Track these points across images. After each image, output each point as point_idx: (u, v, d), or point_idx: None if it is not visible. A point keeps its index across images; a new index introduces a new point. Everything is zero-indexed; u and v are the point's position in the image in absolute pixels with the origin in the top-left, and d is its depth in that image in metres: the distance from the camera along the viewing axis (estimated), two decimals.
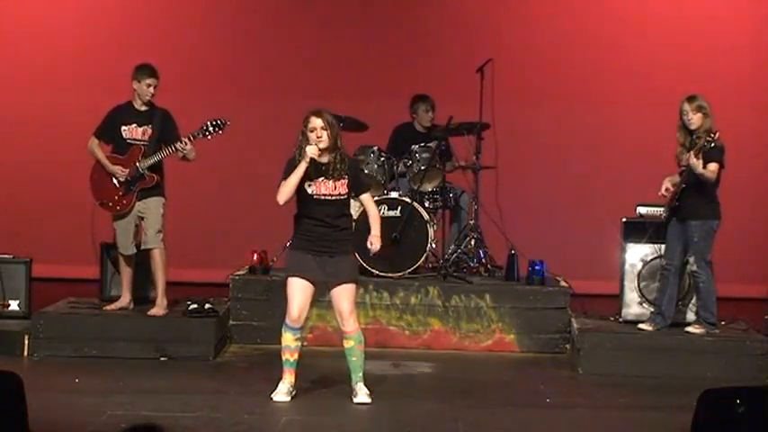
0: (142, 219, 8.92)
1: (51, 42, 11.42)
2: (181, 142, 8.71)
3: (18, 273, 9.35)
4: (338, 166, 7.32)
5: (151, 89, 8.83)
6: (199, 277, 10.47)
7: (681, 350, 8.72)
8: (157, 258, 8.91)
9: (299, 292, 7.37)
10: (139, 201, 8.88)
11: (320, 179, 7.32)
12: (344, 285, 7.38)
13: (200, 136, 8.74)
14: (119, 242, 8.97)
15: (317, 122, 7.30)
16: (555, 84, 11.37)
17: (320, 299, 8.24)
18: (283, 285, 7.50)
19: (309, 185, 7.31)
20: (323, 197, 7.32)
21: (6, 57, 11.42)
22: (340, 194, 7.35)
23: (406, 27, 11.49)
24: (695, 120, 8.55)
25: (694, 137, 8.57)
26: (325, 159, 7.32)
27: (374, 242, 7.48)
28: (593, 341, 8.81)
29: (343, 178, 7.33)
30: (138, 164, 8.81)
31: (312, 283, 7.39)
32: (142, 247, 8.95)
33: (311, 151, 7.25)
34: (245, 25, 11.52)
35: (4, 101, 11.39)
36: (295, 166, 7.27)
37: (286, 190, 7.28)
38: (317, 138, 7.28)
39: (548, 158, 11.32)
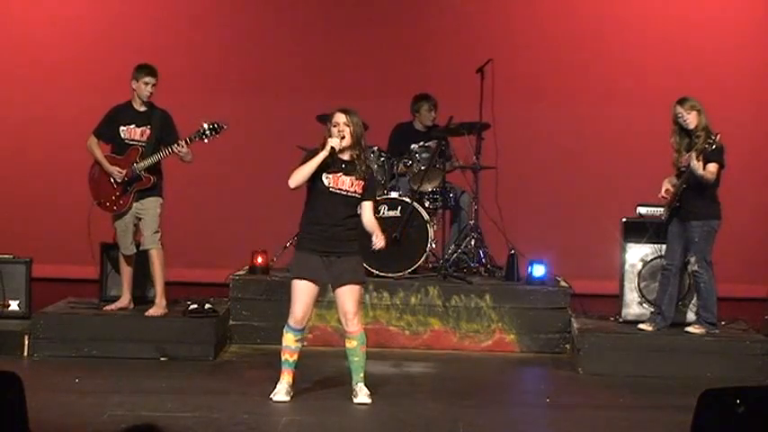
0: (140, 219, 8.92)
1: (51, 42, 11.42)
2: (178, 144, 8.72)
3: (18, 273, 9.35)
4: (359, 167, 7.34)
5: (149, 88, 8.83)
6: (199, 277, 10.48)
7: (681, 350, 8.72)
8: (155, 259, 8.91)
9: (303, 294, 7.35)
10: (137, 201, 8.89)
11: (338, 174, 7.33)
12: (350, 286, 7.37)
13: (197, 139, 8.73)
14: (119, 242, 8.98)
15: (340, 118, 7.35)
16: (555, 84, 11.37)
17: (320, 299, 8.24)
18: (284, 285, 7.50)
19: (327, 177, 7.32)
20: (338, 191, 7.32)
21: (6, 57, 11.42)
22: (356, 192, 7.35)
23: (406, 27, 11.49)
24: (691, 119, 8.55)
25: (693, 136, 8.58)
26: (346, 157, 7.34)
27: (380, 243, 7.47)
28: (593, 341, 8.81)
29: (362, 180, 7.35)
30: (135, 165, 8.81)
31: (318, 284, 7.39)
32: (140, 248, 8.96)
33: (333, 142, 7.28)
34: (246, 25, 11.52)
35: (5, 101, 11.39)
36: (313, 157, 7.30)
37: (301, 174, 7.25)
38: (339, 132, 7.31)
39: (548, 158, 11.32)
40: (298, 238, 7.55)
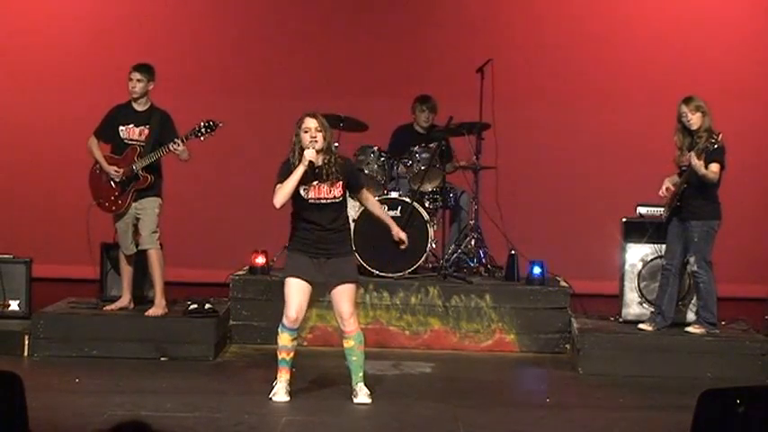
0: (139, 219, 8.93)
1: (51, 43, 11.41)
2: (174, 143, 8.73)
3: (18, 273, 9.36)
4: (333, 168, 7.29)
5: (134, 83, 8.83)
6: (199, 277, 10.47)
7: (681, 350, 8.72)
8: (153, 259, 8.91)
9: (296, 293, 7.34)
10: (135, 201, 8.90)
11: (315, 183, 7.28)
12: (344, 286, 7.36)
13: (193, 137, 8.74)
14: (120, 242, 8.99)
15: (311, 123, 7.28)
16: (555, 84, 11.36)
17: (320, 299, 8.24)
18: (283, 285, 7.49)
19: (305, 190, 7.28)
20: (319, 201, 7.30)
21: (6, 58, 11.42)
22: (335, 197, 7.31)
23: (406, 27, 11.48)
24: (695, 120, 8.55)
25: (695, 137, 8.58)
26: (318, 162, 7.29)
27: (401, 236, 7.48)
28: (593, 341, 8.81)
29: (339, 180, 7.31)
30: (133, 164, 8.82)
31: (310, 283, 7.38)
32: (138, 248, 8.96)
33: (310, 155, 7.21)
34: (246, 26, 11.51)
35: (5, 102, 11.39)
36: (290, 169, 7.24)
37: (283, 194, 7.23)
38: (312, 138, 7.25)
39: (548, 158, 11.31)
40: (289, 240, 7.55)
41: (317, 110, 7.47)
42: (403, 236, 7.52)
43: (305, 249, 7.33)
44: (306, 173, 7.23)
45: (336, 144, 9.87)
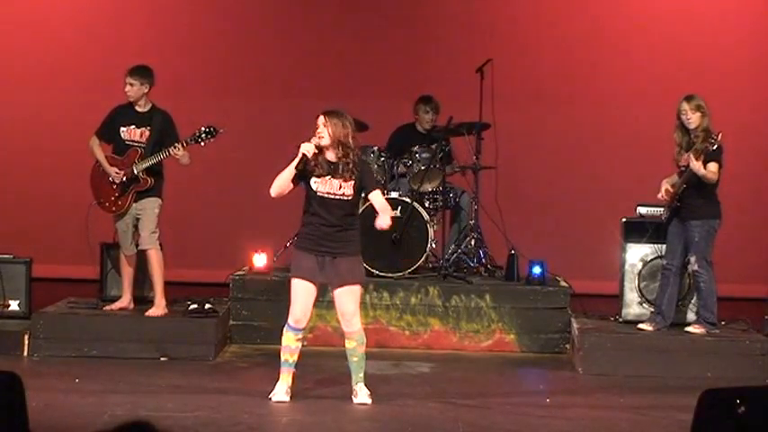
0: (139, 219, 8.93)
1: (51, 43, 11.41)
2: (174, 147, 8.73)
3: (18, 273, 9.35)
4: (349, 166, 7.30)
5: (127, 87, 8.83)
6: (199, 277, 10.46)
7: (681, 350, 8.72)
8: (153, 259, 8.91)
9: (302, 293, 7.35)
10: (136, 202, 8.90)
11: (327, 177, 7.31)
12: (347, 287, 7.36)
13: (193, 142, 8.74)
14: (120, 242, 8.99)
15: (319, 119, 7.33)
16: (555, 84, 11.35)
17: (320, 299, 8.23)
18: (284, 285, 7.50)
19: (315, 182, 7.31)
20: (326, 195, 7.31)
21: (5, 57, 11.41)
22: (344, 195, 7.31)
23: (406, 27, 11.48)
24: (694, 119, 8.56)
25: (693, 136, 8.58)
26: (331, 158, 7.31)
27: (382, 224, 7.34)
28: (593, 341, 8.81)
29: (351, 179, 7.31)
30: (134, 166, 8.82)
31: (315, 284, 7.38)
32: (138, 248, 8.96)
33: (305, 148, 7.25)
34: (246, 26, 11.51)
35: (4, 101, 11.38)
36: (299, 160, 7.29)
37: (278, 183, 7.29)
38: (318, 134, 7.29)
39: (548, 158, 11.31)
40: (297, 237, 7.55)
41: (317, 110, 7.46)
42: (383, 224, 7.35)
43: (310, 247, 7.33)
44: (321, 166, 7.26)
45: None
